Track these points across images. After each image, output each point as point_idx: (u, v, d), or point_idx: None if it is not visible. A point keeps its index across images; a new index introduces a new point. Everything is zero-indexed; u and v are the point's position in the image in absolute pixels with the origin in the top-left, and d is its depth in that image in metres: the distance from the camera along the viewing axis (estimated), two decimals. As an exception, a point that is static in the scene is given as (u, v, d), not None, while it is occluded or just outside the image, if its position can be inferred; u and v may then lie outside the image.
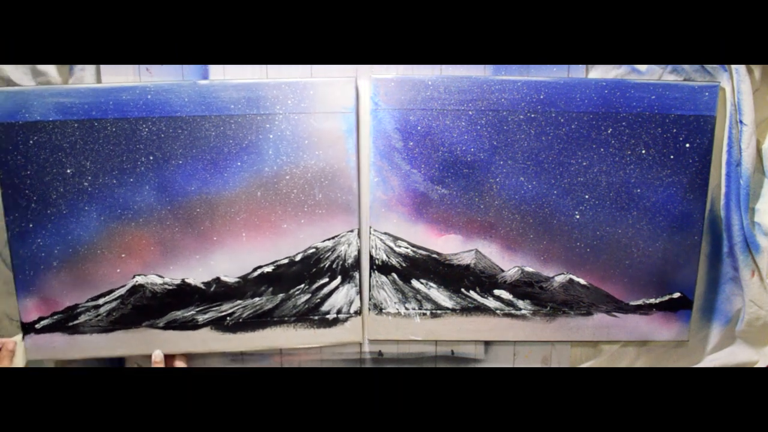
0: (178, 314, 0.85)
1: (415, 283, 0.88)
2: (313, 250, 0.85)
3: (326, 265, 0.85)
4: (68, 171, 0.81)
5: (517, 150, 0.85)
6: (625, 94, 0.83)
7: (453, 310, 0.88)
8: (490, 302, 0.88)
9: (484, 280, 0.88)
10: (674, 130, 0.84)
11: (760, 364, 0.90)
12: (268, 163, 0.82)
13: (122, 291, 0.84)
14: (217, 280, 0.85)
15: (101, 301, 0.84)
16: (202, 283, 0.85)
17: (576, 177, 0.85)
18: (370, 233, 0.86)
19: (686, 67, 0.85)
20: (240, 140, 0.82)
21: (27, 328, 0.84)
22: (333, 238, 0.85)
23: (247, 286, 0.85)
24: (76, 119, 0.80)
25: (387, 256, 0.87)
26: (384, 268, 0.87)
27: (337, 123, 0.82)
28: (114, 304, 0.84)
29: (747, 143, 0.83)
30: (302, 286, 0.85)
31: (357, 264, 0.86)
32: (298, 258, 0.85)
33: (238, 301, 0.85)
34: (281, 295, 0.86)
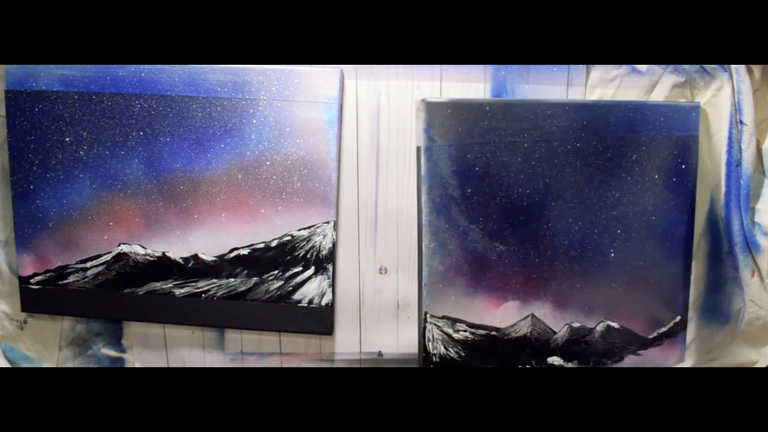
0: (157, 285, 0.87)
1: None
2: (289, 237, 0.86)
3: (300, 254, 0.86)
4: (67, 139, 0.85)
5: (565, 187, 0.81)
6: (644, 116, 0.81)
7: None
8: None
9: (539, 348, 0.85)
10: (675, 152, 0.83)
11: (760, 364, 0.90)
12: (250, 148, 0.84)
13: (108, 257, 0.87)
14: (195, 256, 0.87)
15: (89, 264, 0.88)
16: (181, 258, 0.87)
17: (610, 211, 0.82)
18: (427, 321, 0.82)
19: (686, 67, 0.85)
20: (224, 123, 0.84)
21: (22, 282, 0.89)
22: (309, 227, 0.86)
23: (223, 265, 0.87)
24: (77, 91, 0.84)
25: (445, 347, 0.83)
26: (442, 365, 0.82)
27: (319, 113, 0.83)
28: (100, 268, 0.87)
29: (747, 143, 0.83)
30: (276, 272, 0.87)
31: (331, 256, 0.86)
32: (273, 244, 0.86)
33: (214, 280, 0.87)
34: (255, 278, 0.87)
